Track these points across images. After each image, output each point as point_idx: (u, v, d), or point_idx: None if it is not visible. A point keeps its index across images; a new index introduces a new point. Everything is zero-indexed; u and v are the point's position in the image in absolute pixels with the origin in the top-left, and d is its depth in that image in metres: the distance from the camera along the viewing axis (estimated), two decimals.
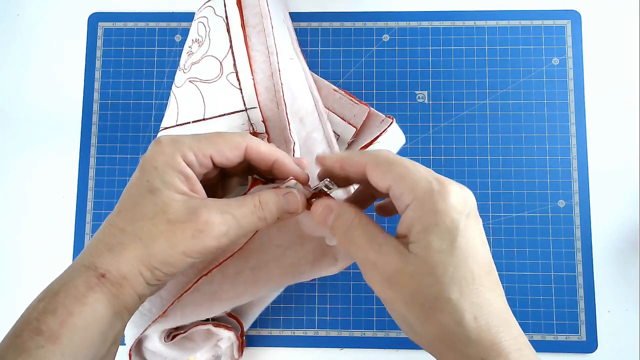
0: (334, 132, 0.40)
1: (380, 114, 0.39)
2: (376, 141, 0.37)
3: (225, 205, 0.26)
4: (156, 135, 0.38)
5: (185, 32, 0.46)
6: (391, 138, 0.38)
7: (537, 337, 0.42)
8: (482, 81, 0.45)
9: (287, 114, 0.35)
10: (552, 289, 0.42)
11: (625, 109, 0.45)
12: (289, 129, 0.34)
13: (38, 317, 0.24)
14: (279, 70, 0.36)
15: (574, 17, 0.45)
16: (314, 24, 0.46)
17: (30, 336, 0.23)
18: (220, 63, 0.36)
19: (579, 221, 0.43)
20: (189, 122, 0.36)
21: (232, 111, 0.36)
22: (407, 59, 0.45)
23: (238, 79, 0.36)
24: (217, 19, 0.37)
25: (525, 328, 0.42)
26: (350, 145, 0.40)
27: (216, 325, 0.38)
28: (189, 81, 0.37)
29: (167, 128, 0.37)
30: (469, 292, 0.23)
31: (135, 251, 0.25)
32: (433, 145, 0.44)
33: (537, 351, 0.42)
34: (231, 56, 0.36)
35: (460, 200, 0.23)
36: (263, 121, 0.36)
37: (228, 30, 0.36)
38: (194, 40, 0.38)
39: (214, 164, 0.28)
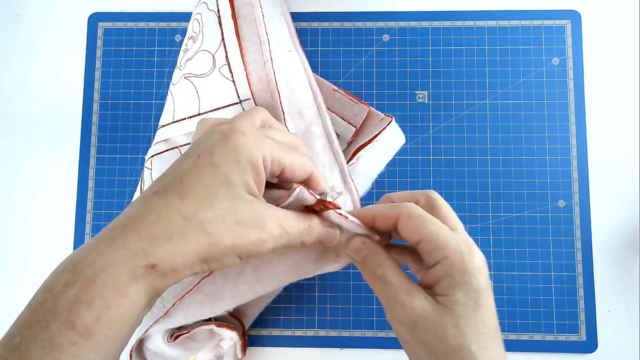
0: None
1: (380, 113, 0.39)
2: (375, 140, 0.37)
3: (284, 220, 0.26)
4: (155, 135, 0.38)
5: (185, 32, 0.46)
6: (390, 137, 0.38)
7: (537, 337, 0.42)
8: (482, 81, 0.45)
9: (281, 103, 0.35)
10: (552, 289, 0.42)
11: (625, 109, 0.45)
12: (284, 119, 0.34)
13: (69, 307, 0.21)
14: (272, 60, 0.35)
15: (574, 17, 0.45)
16: (314, 24, 0.46)
17: (60, 330, 0.20)
18: (213, 56, 0.36)
19: (579, 221, 0.43)
20: (185, 118, 0.36)
21: (226, 104, 0.36)
22: (407, 59, 0.45)
23: (231, 71, 0.35)
24: (209, 13, 0.37)
25: (525, 328, 0.42)
26: (350, 144, 0.40)
27: (219, 325, 0.38)
28: (184, 77, 0.37)
29: (164, 126, 0.37)
30: (485, 347, 0.25)
31: (198, 245, 0.23)
32: (433, 145, 0.44)
33: (537, 351, 0.42)
34: (223, 49, 0.35)
35: (483, 263, 0.27)
36: None
37: (220, 24, 0.36)
38: (189, 37, 0.38)
39: (279, 175, 0.27)
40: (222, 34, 0.36)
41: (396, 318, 0.27)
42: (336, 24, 0.46)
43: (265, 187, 0.28)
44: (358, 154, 0.36)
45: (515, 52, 0.45)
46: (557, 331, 0.42)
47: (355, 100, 0.40)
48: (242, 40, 0.36)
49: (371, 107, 0.40)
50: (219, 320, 0.39)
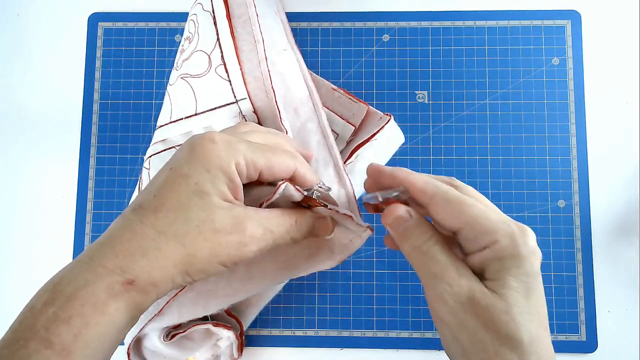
0: (333, 130, 0.40)
1: (378, 111, 0.39)
2: (373, 138, 0.37)
3: (266, 220, 0.26)
4: (153, 135, 0.38)
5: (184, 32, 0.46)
6: (389, 136, 0.38)
7: None
8: (482, 81, 0.45)
9: (276, 102, 0.35)
10: (552, 289, 0.42)
11: (625, 109, 0.45)
12: (280, 118, 0.34)
13: (47, 325, 0.21)
14: (266, 59, 0.36)
15: (574, 17, 0.45)
16: (314, 24, 0.46)
17: (37, 348, 0.20)
18: (209, 56, 0.36)
19: (579, 221, 0.43)
20: (182, 118, 0.36)
21: (222, 104, 0.36)
22: (407, 59, 0.45)
23: (226, 71, 0.35)
24: (204, 14, 0.37)
25: None
26: (349, 143, 0.40)
27: (215, 325, 0.38)
28: (180, 78, 0.37)
29: (162, 126, 0.37)
30: (537, 337, 0.23)
31: (174, 258, 0.23)
32: (433, 145, 0.44)
33: None
34: (219, 48, 0.36)
35: (536, 245, 0.25)
36: (254, 112, 0.36)
37: (215, 24, 0.36)
38: (185, 38, 0.39)
39: (258, 177, 0.27)
40: (217, 34, 0.36)
41: (440, 298, 0.24)
42: (336, 24, 0.46)
43: (255, 186, 0.28)
44: (357, 153, 0.36)
45: (515, 52, 0.45)
46: (557, 331, 0.42)
47: (354, 100, 0.40)
48: (237, 39, 0.36)
49: (370, 106, 0.40)
50: (216, 320, 0.39)
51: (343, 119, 0.40)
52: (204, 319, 0.38)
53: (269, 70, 0.35)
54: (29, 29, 0.47)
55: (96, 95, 0.46)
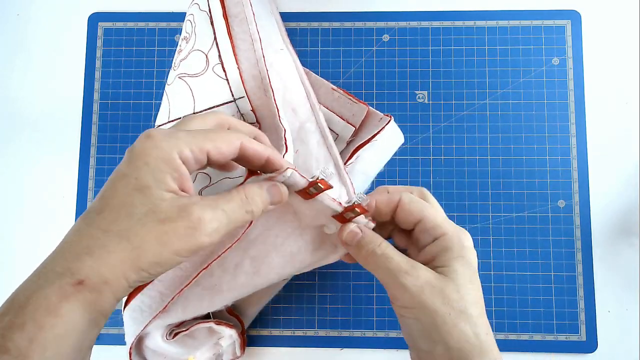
0: (332, 130, 0.40)
1: (379, 112, 0.39)
2: (374, 139, 0.37)
3: (214, 202, 0.26)
4: None
5: None
6: (390, 137, 0.38)
7: (537, 337, 0.42)
8: (482, 81, 0.45)
9: (275, 100, 0.35)
10: (552, 289, 0.42)
11: (625, 109, 0.45)
12: (279, 116, 0.34)
13: (3, 333, 0.21)
14: (264, 57, 0.35)
15: (574, 17, 0.45)
16: (314, 24, 0.46)
17: None
18: (206, 56, 0.36)
19: (579, 221, 0.43)
20: (180, 118, 0.36)
21: (220, 103, 0.36)
22: (407, 59, 0.45)
23: (224, 69, 0.35)
24: (201, 13, 0.37)
25: (525, 328, 0.42)
26: (349, 144, 0.40)
27: (218, 323, 0.38)
28: (178, 77, 0.37)
29: (160, 125, 0.37)
30: (481, 314, 0.28)
31: (121, 254, 0.23)
32: (433, 145, 0.44)
33: (537, 351, 0.42)
34: (216, 48, 0.36)
35: (473, 246, 0.31)
36: (252, 110, 0.36)
37: (212, 23, 0.36)
38: (183, 38, 0.39)
39: (209, 160, 0.27)
40: (214, 33, 0.36)
41: (402, 287, 0.28)
42: (336, 24, 0.46)
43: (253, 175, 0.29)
44: (357, 154, 0.36)
45: (515, 52, 0.45)
46: (557, 331, 0.42)
47: (354, 100, 0.40)
48: (234, 38, 0.36)
49: (370, 107, 0.40)
50: (218, 318, 0.39)
51: (343, 119, 0.40)
52: (206, 317, 0.38)
53: (267, 69, 0.35)
54: (29, 29, 0.47)
55: (96, 95, 0.46)
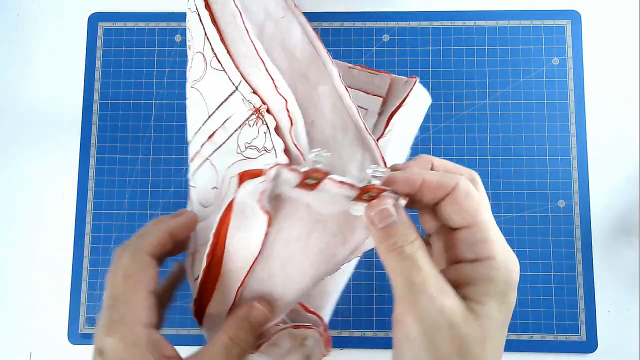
0: (360, 107, 0.37)
1: (402, 77, 0.38)
2: (404, 103, 0.36)
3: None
4: (155, 136, 0.38)
5: (184, 32, 0.46)
6: (418, 99, 0.37)
7: (537, 337, 0.42)
8: (482, 81, 0.45)
9: (268, 71, 0.31)
10: (552, 289, 0.42)
11: (625, 109, 0.45)
12: (275, 87, 0.31)
13: None
14: (247, 31, 0.34)
15: (574, 17, 0.45)
16: (314, 24, 0.46)
17: None
18: (203, 54, 0.36)
19: (579, 221, 0.43)
20: (200, 127, 0.36)
21: (226, 96, 0.35)
22: (407, 59, 0.45)
23: (219, 60, 0.34)
24: (192, 15, 0.37)
25: (525, 328, 0.42)
26: (380, 114, 0.38)
27: (296, 327, 0.36)
28: (191, 87, 0.37)
29: (189, 142, 0.37)
30: None
31: None
32: (433, 145, 0.44)
33: (537, 351, 0.42)
34: (207, 41, 0.35)
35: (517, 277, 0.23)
36: (254, 92, 0.34)
37: (200, 19, 0.36)
38: (187, 47, 0.38)
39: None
40: (203, 27, 0.35)
41: (416, 314, 0.21)
42: (336, 24, 0.46)
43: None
44: (392, 121, 0.35)
45: (515, 52, 0.45)
46: (557, 331, 0.42)
47: (374, 72, 0.38)
48: (218, 23, 0.34)
49: (392, 74, 0.38)
50: (296, 322, 0.37)
51: (368, 93, 0.38)
52: (283, 323, 0.36)
53: (252, 42, 0.33)
54: (29, 29, 0.47)
55: (96, 95, 0.46)
